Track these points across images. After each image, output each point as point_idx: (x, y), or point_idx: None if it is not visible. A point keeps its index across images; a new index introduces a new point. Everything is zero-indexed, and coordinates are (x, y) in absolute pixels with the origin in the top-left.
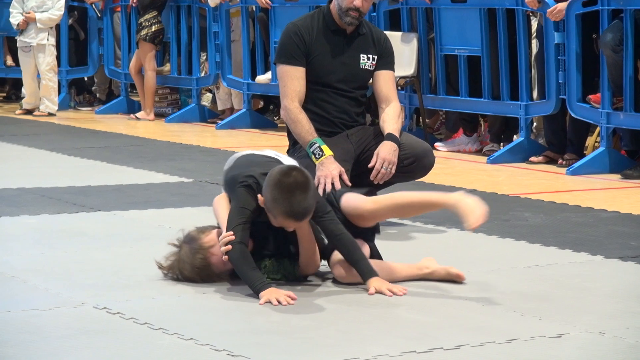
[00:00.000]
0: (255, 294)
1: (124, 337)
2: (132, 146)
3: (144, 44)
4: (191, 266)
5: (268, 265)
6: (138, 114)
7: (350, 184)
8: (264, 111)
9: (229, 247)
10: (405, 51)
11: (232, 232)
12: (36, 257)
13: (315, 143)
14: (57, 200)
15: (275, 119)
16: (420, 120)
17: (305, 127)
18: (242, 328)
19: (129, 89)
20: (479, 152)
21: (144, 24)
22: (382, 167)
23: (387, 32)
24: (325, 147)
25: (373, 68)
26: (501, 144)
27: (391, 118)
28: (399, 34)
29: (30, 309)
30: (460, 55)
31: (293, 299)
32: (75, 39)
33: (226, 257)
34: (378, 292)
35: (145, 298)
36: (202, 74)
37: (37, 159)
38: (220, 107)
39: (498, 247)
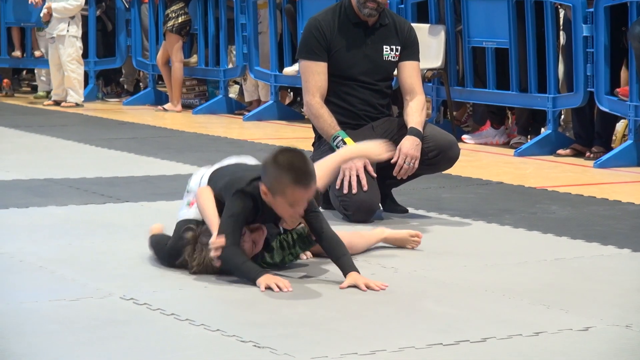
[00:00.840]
0: (253, 283)
1: (150, 328)
2: (159, 137)
3: (170, 36)
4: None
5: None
6: (165, 106)
7: (375, 175)
8: (293, 104)
9: (219, 252)
10: (432, 43)
11: (223, 236)
12: (64, 247)
13: (338, 136)
14: (84, 191)
15: (302, 111)
16: (448, 112)
17: (327, 121)
18: (268, 319)
19: (156, 81)
20: (506, 144)
21: (170, 15)
22: (404, 162)
23: (414, 24)
24: (348, 140)
25: (397, 59)
26: (528, 136)
27: (415, 111)
28: (426, 26)
29: (58, 300)
30: (488, 48)
31: (288, 287)
32: (103, 30)
33: (218, 262)
34: (351, 285)
35: (172, 289)
36: (230, 66)
37: (65, 149)
38: (247, 98)
39: (525, 239)
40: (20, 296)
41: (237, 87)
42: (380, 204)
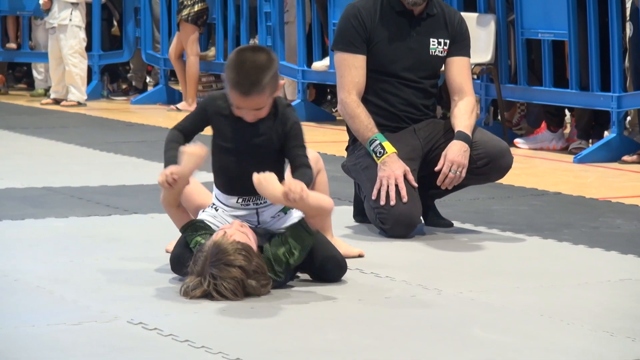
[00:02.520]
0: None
1: (161, 355)
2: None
3: (185, 26)
4: (229, 260)
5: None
6: (179, 105)
7: (416, 185)
8: (320, 102)
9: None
10: (481, 35)
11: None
12: (64, 265)
13: (375, 140)
14: (87, 201)
15: (334, 110)
16: (498, 113)
17: (364, 122)
18: (294, 347)
19: (168, 77)
20: (564, 150)
21: (185, 3)
22: (449, 170)
23: (462, 14)
24: (387, 144)
25: (445, 54)
26: (590, 140)
27: (463, 113)
28: (474, 15)
29: (57, 324)
30: (544, 40)
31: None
32: (109, 19)
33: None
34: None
35: (186, 312)
36: None
37: (66, 154)
38: None
39: (585, 257)
40: (15, 320)
41: None
42: (421, 217)
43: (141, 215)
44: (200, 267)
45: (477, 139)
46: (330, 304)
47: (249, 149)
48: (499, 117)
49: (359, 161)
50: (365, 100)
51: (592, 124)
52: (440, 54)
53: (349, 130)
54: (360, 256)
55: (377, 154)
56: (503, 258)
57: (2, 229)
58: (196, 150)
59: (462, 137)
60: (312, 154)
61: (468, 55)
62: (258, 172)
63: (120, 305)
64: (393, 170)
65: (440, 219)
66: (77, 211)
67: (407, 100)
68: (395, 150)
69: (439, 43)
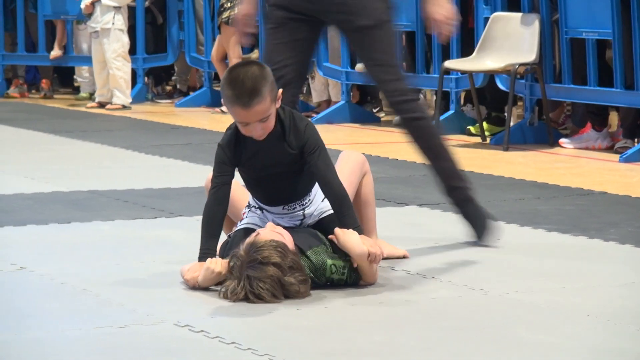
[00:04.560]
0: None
1: (208, 358)
2: (216, 143)
3: (226, 28)
4: (264, 259)
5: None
6: (223, 107)
7: None
8: (363, 103)
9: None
10: (525, 35)
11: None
12: (110, 268)
13: None
14: (132, 204)
15: (375, 111)
16: (543, 113)
17: None
18: (340, 349)
19: (212, 79)
20: (609, 149)
21: (226, 5)
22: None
23: (505, 14)
24: None
25: None
26: (636, 140)
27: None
28: (518, 15)
29: (104, 327)
30: (588, 39)
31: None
32: (153, 23)
33: None
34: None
35: (232, 315)
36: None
37: (111, 157)
38: (315, 99)
39: (632, 257)
40: (62, 323)
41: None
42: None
43: (186, 217)
44: (237, 270)
45: None
46: (376, 305)
47: (278, 167)
48: (544, 117)
49: None
50: None
51: (637, 122)
52: None
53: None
54: (404, 257)
55: None
56: (549, 258)
57: (48, 233)
58: (217, 268)
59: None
60: (358, 156)
61: None
62: (292, 182)
63: (167, 307)
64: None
65: None
66: (123, 214)
67: None
68: None
69: None
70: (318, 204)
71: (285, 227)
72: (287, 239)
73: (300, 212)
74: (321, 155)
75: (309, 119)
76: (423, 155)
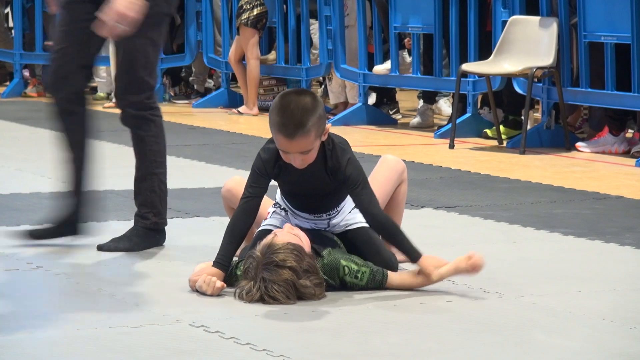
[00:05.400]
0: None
1: (223, 359)
2: (233, 144)
3: (245, 29)
4: (281, 261)
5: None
6: (240, 108)
7: None
8: (379, 105)
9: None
10: (543, 38)
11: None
12: (125, 267)
13: None
14: None
15: (391, 113)
16: (560, 117)
17: None
18: (355, 351)
19: (230, 80)
20: (626, 153)
21: (244, 6)
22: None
23: (523, 17)
24: None
25: None
26: None
27: None
28: (536, 18)
29: (119, 326)
30: (607, 43)
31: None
32: (171, 23)
33: None
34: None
35: (248, 315)
36: (312, 64)
37: (127, 157)
38: (332, 100)
39: None
40: (77, 323)
41: (320, 88)
42: None
43: (203, 218)
44: (253, 271)
45: None
46: (391, 307)
47: (313, 190)
48: (561, 121)
49: None
50: None
51: None
52: None
53: None
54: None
55: None
56: (565, 262)
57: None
58: (208, 290)
59: None
60: (398, 164)
61: None
62: (324, 199)
63: (182, 308)
64: None
65: None
66: None
67: None
68: None
69: None
70: (345, 215)
71: (304, 229)
72: (304, 241)
73: (326, 222)
74: (364, 189)
75: (351, 151)
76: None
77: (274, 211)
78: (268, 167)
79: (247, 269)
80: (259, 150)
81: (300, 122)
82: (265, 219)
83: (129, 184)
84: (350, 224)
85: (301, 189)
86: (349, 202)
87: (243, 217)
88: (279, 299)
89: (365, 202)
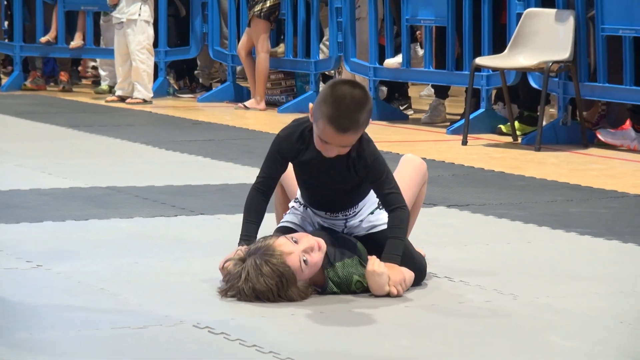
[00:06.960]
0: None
1: None
2: (239, 140)
3: (257, 22)
4: (263, 277)
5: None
6: (247, 103)
7: None
8: (390, 99)
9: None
10: (559, 32)
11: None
12: (128, 266)
13: None
14: (152, 201)
15: (402, 108)
16: (577, 112)
17: None
18: (365, 353)
19: (236, 74)
20: None
21: None
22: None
23: (539, 10)
24: None
25: None
26: None
27: None
28: (552, 11)
29: (121, 327)
30: (625, 37)
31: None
32: (176, 15)
33: None
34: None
35: (254, 316)
36: (322, 57)
37: (130, 153)
38: None
39: None
40: (78, 323)
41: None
42: None
43: (208, 216)
44: (241, 268)
45: None
46: (403, 309)
47: (331, 183)
48: (577, 117)
49: None
50: None
51: None
52: None
53: None
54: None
55: None
56: (581, 262)
57: (65, 230)
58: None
59: None
60: (422, 165)
61: None
62: (339, 196)
63: (186, 308)
64: None
65: None
66: (142, 212)
67: None
68: None
69: None
70: (364, 216)
71: (325, 229)
72: (322, 250)
73: (342, 222)
74: (387, 180)
75: (379, 152)
76: None
77: (293, 206)
78: (286, 144)
79: (240, 259)
80: (279, 131)
81: (355, 118)
82: (287, 212)
83: (132, 181)
84: (376, 225)
85: (319, 179)
86: (367, 204)
87: (258, 197)
88: (259, 298)
89: (392, 190)
